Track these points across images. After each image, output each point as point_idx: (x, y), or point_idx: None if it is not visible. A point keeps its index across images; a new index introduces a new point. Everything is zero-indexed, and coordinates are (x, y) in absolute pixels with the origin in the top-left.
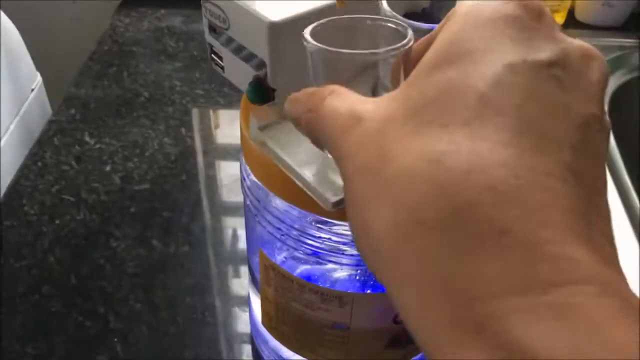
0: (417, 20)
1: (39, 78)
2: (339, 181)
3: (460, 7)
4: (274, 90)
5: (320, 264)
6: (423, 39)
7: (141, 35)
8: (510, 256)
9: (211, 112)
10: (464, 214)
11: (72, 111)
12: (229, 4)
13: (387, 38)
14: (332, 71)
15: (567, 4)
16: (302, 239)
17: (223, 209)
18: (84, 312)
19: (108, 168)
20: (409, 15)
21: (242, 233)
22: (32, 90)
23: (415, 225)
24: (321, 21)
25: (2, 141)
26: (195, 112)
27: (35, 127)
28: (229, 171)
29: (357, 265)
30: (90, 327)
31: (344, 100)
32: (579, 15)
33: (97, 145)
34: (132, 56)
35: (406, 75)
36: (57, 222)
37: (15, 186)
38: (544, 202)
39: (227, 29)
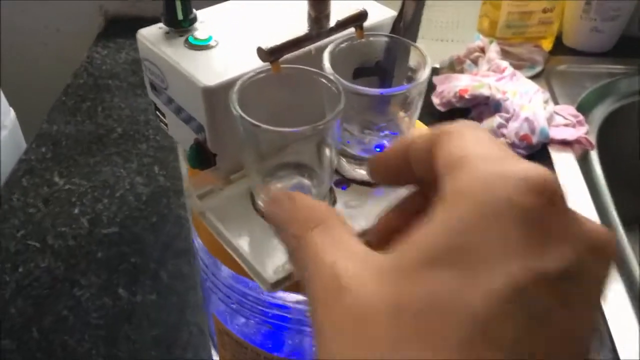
0: (370, 74)
1: (12, 114)
2: (280, 259)
3: (470, 175)
4: (214, 155)
5: (276, 329)
6: (422, 141)
7: (118, 68)
8: None
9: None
10: None
11: (43, 149)
12: (165, 65)
13: (326, 92)
14: (261, 141)
15: (555, 30)
16: (254, 306)
17: (192, 254)
18: None
19: (76, 210)
20: (361, 69)
21: None
22: (5, 126)
23: None
24: (254, 74)
25: None
26: (171, 147)
27: (8, 165)
28: None
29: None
30: None
31: (329, 246)
32: (567, 41)
33: (67, 186)
34: (107, 90)
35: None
36: (21, 270)
37: None
38: None
39: (166, 89)
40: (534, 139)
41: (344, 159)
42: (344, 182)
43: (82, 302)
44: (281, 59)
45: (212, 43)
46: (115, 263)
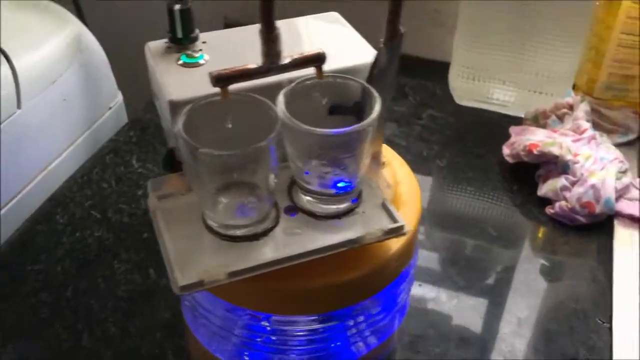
0: (347, 113)
1: (119, 97)
2: (201, 268)
3: None
4: (180, 162)
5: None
6: None
7: None
8: None
9: None
10: None
11: (132, 133)
12: (154, 75)
13: (267, 120)
14: (198, 161)
15: None
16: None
17: None
18: (65, 325)
19: (140, 192)
20: (338, 107)
21: None
22: (110, 108)
23: None
24: (209, 97)
25: (67, 152)
26: None
27: (102, 142)
28: None
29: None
30: (64, 340)
31: None
32: None
33: (139, 170)
34: None
35: None
36: (78, 234)
37: (57, 195)
38: None
39: (157, 96)
40: (597, 209)
41: (300, 190)
42: (295, 209)
43: (117, 274)
44: (251, 88)
45: (201, 62)
46: (156, 245)
